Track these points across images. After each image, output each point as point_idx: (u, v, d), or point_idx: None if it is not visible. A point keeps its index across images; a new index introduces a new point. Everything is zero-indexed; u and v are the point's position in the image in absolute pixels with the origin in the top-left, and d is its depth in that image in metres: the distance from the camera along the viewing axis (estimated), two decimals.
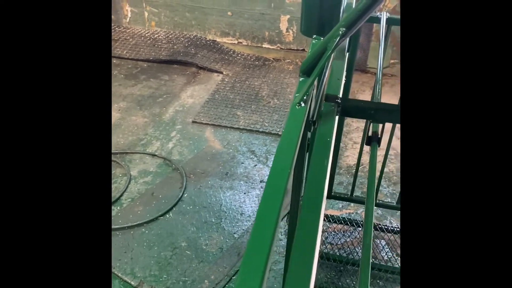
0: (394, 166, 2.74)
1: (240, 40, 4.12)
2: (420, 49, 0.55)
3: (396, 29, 3.51)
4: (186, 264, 2.05)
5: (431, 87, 0.54)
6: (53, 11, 0.58)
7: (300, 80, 0.88)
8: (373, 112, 0.87)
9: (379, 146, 0.91)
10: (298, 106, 0.80)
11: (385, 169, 2.49)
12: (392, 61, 3.69)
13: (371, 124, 0.92)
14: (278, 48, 4.02)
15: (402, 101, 0.56)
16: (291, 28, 3.91)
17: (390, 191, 2.53)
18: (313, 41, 1.03)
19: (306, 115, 0.83)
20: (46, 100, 0.57)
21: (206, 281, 1.99)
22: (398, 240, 2.22)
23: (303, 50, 3.97)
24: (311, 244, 0.67)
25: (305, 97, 0.81)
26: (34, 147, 0.56)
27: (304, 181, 1.11)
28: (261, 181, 2.58)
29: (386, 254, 2.13)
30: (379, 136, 0.93)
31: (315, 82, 0.89)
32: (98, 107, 0.59)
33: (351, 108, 0.89)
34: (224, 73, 3.69)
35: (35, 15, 0.57)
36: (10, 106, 0.55)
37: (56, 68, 0.58)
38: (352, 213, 2.39)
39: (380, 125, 0.95)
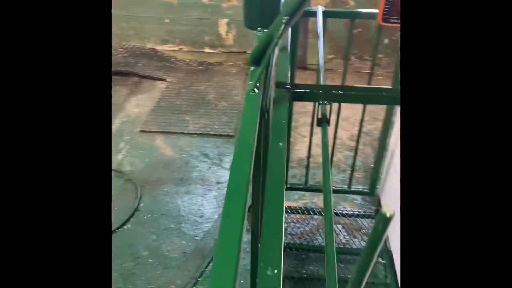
0: (341, 154, 2.87)
1: (180, 46, 4.11)
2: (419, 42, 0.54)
3: (330, 25, 3.68)
4: (150, 272, 2.03)
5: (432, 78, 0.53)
6: (54, 16, 0.58)
7: (251, 69, 0.92)
8: (321, 93, 0.93)
9: (328, 126, 0.98)
10: (252, 92, 0.84)
11: (334, 158, 2.60)
12: (329, 56, 3.86)
13: (320, 106, 0.99)
14: (220, 52, 4.06)
15: (402, 95, 0.54)
16: (231, 31, 3.96)
17: (340, 178, 2.65)
18: (258, 34, 1.08)
19: (260, 102, 0.87)
20: (46, 108, 0.56)
21: (172, 286, 1.97)
22: (354, 223, 2.33)
23: (245, 52, 4.04)
24: (279, 235, 0.69)
25: (258, 84, 0.85)
26: (33, 150, 0.55)
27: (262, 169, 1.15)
28: (217, 183, 2.60)
29: (344, 237, 2.22)
30: (327, 116, 0.99)
31: (265, 71, 0.94)
32: (98, 111, 0.59)
33: (301, 93, 0.95)
34: (167, 80, 3.67)
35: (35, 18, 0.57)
36: (10, 109, 0.54)
37: (56, 76, 0.57)
38: (308, 202, 2.47)
39: (328, 107, 1.02)
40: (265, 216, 0.68)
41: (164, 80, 3.68)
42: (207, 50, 4.08)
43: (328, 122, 0.97)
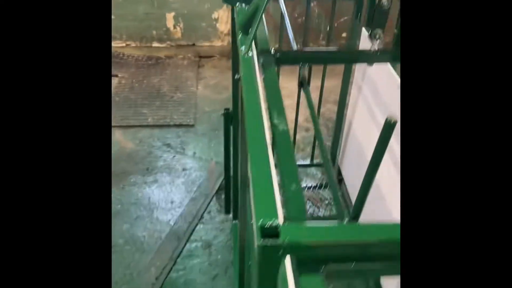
0: (299, 135, 3.03)
1: (128, 42, 4.07)
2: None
3: (275, 13, 3.83)
4: (129, 259, 2.05)
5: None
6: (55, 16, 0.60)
7: (239, 37, 1.02)
8: (302, 57, 1.06)
9: (309, 86, 1.11)
10: (246, 56, 0.94)
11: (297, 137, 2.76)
12: (276, 45, 4.01)
13: (300, 69, 1.11)
14: (169, 46, 4.07)
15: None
16: (178, 24, 3.99)
17: (301, 156, 2.81)
18: (237, 8, 1.18)
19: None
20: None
21: (152, 268, 2.02)
22: (316, 195, 2.50)
23: (194, 45, 4.09)
24: (293, 160, 0.77)
25: (250, 48, 0.96)
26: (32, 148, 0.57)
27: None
28: (183, 169, 2.66)
29: (310, 207, 2.38)
30: (306, 78, 1.12)
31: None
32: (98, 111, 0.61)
33: (285, 58, 1.07)
34: (119, 75, 3.64)
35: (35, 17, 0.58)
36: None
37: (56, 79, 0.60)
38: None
39: (306, 71, 1.14)
40: (279, 155, 0.77)
41: (115, 76, 3.64)
42: (155, 44, 4.07)
43: (308, 82, 1.10)
